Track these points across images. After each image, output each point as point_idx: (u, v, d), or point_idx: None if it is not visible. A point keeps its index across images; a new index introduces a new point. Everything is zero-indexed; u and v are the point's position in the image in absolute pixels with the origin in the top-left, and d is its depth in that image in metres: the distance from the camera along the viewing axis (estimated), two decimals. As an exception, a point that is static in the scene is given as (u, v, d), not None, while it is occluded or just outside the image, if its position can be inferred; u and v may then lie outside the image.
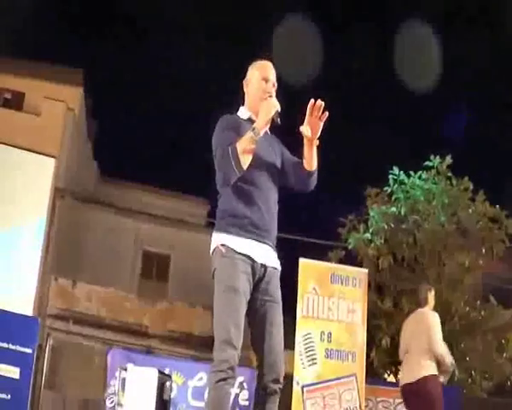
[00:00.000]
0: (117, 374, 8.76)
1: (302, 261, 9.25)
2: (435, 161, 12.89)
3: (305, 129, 3.43)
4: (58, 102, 19.08)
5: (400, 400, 9.65)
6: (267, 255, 3.45)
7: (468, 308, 12.47)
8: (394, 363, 13.10)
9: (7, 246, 15.35)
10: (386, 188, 13.05)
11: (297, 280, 9.11)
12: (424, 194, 12.80)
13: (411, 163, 13.39)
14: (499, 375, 12.59)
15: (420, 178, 12.90)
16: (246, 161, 3.35)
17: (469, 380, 12.43)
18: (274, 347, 3.36)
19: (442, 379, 6.56)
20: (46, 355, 13.56)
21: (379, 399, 9.77)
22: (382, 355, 12.29)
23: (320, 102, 3.38)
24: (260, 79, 3.60)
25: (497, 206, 12.66)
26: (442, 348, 6.37)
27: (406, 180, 12.89)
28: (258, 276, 3.40)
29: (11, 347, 8.72)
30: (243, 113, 3.65)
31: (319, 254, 12.17)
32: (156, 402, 7.61)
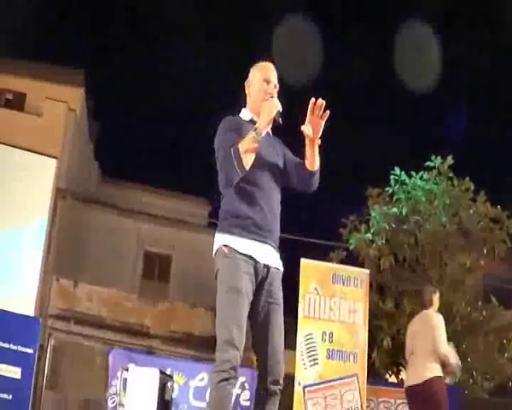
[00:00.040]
0: (118, 374, 8.77)
1: (303, 262, 9.26)
2: (436, 161, 12.89)
3: (306, 128, 3.43)
4: (59, 102, 19.10)
5: (402, 400, 9.70)
6: (270, 256, 3.45)
7: (469, 309, 12.47)
8: (396, 363, 13.11)
9: (8, 246, 15.33)
10: (387, 188, 13.05)
11: (298, 280, 9.11)
12: (425, 194, 12.80)
13: (413, 163, 13.40)
14: (501, 375, 12.59)
15: (421, 178, 12.90)
16: (248, 161, 3.35)
17: (471, 381, 12.43)
18: (275, 348, 3.37)
19: (448, 380, 6.59)
20: (47, 355, 13.57)
21: (380, 399, 9.77)
22: (384, 356, 12.30)
23: (321, 101, 3.38)
24: (262, 81, 3.61)
25: (499, 206, 12.66)
26: (446, 349, 6.39)
27: (407, 181, 12.89)
28: (261, 276, 3.41)
29: (12, 347, 8.72)
30: (245, 114, 3.66)
31: (320, 254, 12.19)
32: (158, 403, 7.61)
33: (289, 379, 8.23)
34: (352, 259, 12.58)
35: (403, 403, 9.75)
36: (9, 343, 8.72)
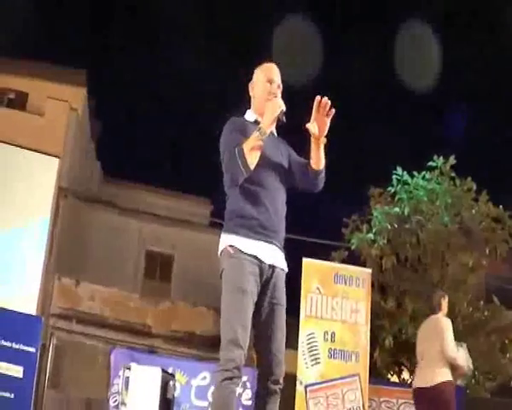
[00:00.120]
0: (120, 373, 8.77)
1: (306, 261, 9.25)
2: (438, 161, 12.88)
3: (312, 126, 3.44)
4: (61, 102, 19.09)
5: (404, 400, 9.73)
6: (275, 256, 3.47)
7: (471, 309, 12.47)
8: (397, 363, 13.12)
9: (10, 245, 15.38)
10: (389, 188, 13.06)
11: (300, 280, 9.11)
12: (427, 194, 12.79)
13: (415, 163, 13.40)
14: (502, 375, 12.60)
15: (423, 178, 12.89)
16: (253, 160, 3.37)
17: (473, 380, 12.43)
18: (276, 349, 3.39)
19: (459, 382, 6.67)
20: (49, 354, 13.59)
21: (382, 399, 9.78)
22: (385, 355, 12.30)
23: (326, 99, 3.39)
24: (265, 81, 3.64)
25: (501, 206, 12.66)
26: (454, 352, 6.46)
27: (409, 180, 12.88)
28: (266, 277, 3.42)
29: (14, 346, 8.73)
30: (250, 115, 3.68)
31: (322, 254, 12.18)
32: (160, 401, 7.62)
33: (291, 379, 8.26)
34: (353, 258, 12.58)
35: (405, 403, 9.77)
36: (11, 342, 8.72)
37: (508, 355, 12.49)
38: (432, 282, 12.38)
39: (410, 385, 11.67)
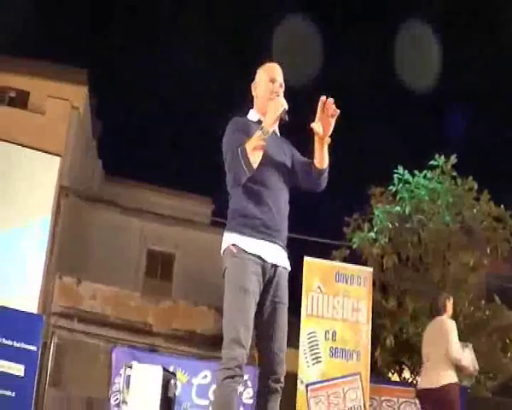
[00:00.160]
0: (121, 372, 8.78)
1: (307, 260, 9.25)
2: (440, 160, 12.87)
3: (316, 126, 3.44)
4: (62, 100, 19.10)
5: (404, 399, 9.75)
6: (278, 256, 3.48)
7: (472, 308, 12.47)
8: (398, 362, 13.12)
9: (12, 244, 15.39)
10: (390, 187, 13.05)
11: (301, 279, 9.11)
12: (429, 193, 12.79)
13: (416, 162, 13.39)
14: (504, 374, 12.59)
15: (424, 177, 12.89)
16: (255, 160, 3.37)
17: (473, 380, 12.42)
18: (277, 347, 3.40)
19: (466, 382, 6.72)
20: (50, 353, 13.59)
21: (383, 398, 9.78)
22: (386, 354, 12.31)
23: (331, 100, 3.39)
24: (267, 81, 3.65)
25: (502, 205, 12.65)
26: (459, 354, 6.51)
27: (411, 179, 12.87)
28: (269, 276, 3.43)
29: (16, 344, 8.75)
30: (253, 115, 3.69)
31: (323, 253, 12.18)
32: (161, 400, 7.62)
33: (292, 377, 8.26)
34: (355, 257, 12.58)
35: (405, 402, 9.77)
36: (13, 341, 8.75)
37: (509, 355, 12.49)
38: (433, 281, 12.38)
39: (410, 384, 11.74)
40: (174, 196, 22.55)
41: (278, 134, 3.71)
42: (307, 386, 8.85)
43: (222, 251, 3.48)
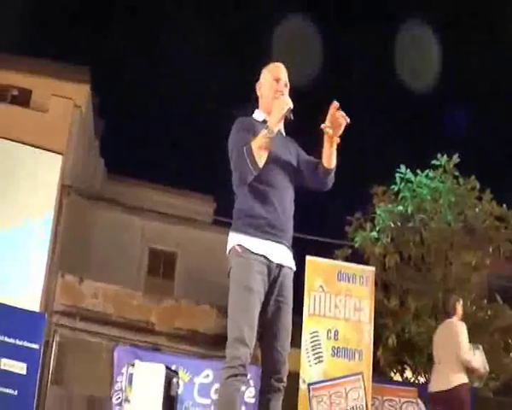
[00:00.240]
0: (123, 370, 8.80)
1: (309, 259, 9.25)
2: (442, 159, 12.86)
3: (327, 126, 3.44)
4: (65, 99, 19.09)
5: (406, 399, 9.75)
6: (283, 256, 3.49)
7: (474, 308, 12.45)
8: (400, 362, 13.11)
9: (14, 243, 15.41)
10: (392, 186, 13.03)
11: (304, 278, 9.11)
12: (431, 193, 12.78)
13: (418, 162, 13.37)
14: (506, 374, 12.57)
15: (427, 176, 12.87)
16: (261, 158, 3.39)
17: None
18: (281, 347, 3.42)
19: (477, 384, 6.76)
20: (53, 351, 13.61)
21: (385, 398, 9.78)
22: (388, 354, 12.29)
23: (342, 114, 3.39)
24: (272, 80, 3.68)
25: (504, 205, 12.64)
26: (469, 356, 6.55)
27: (413, 179, 12.86)
28: (274, 276, 3.44)
29: (18, 342, 8.77)
30: (258, 115, 3.71)
31: (325, 252, 12.17)
32: (163, 398, 7.62)
33: (294, 377, 8.26)
34: (357, 257, 12.57)
35: (407, 401, 9.77)
36: (15, 339, 8.77)
37: (511, 355, 12.47)
38: (435, 281, 12.37)
39: (412, 384, 11.74)
40: (176, 195, 22.54)
41: (284, 134, 3.72)
42: (309, 385, 8.85)
43: (227, 251, 3.49)
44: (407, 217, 12.83)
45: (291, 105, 3.48)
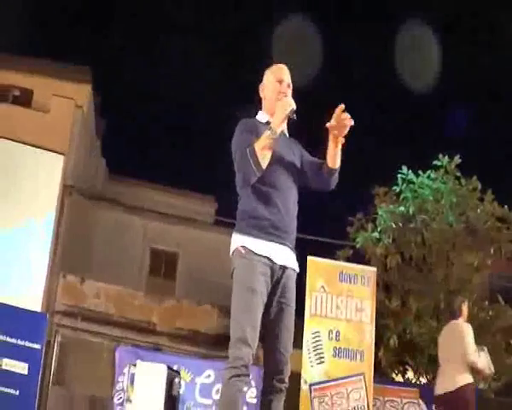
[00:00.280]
0: (125, 371, 8.82)
1: (310, 260, 9.24)
2: (444, 160, 12.85)
3: (332, 126, 3.45)
4: (66, 99, 19.10)
5: (408, 399, 9.74)
6: (286, 257, 3.49)
7: (476, 308, 12.44)
8: (402, 363, 13.10)
9: (16, 243, 15.41)
10: (394, 187, 13.02)
11: (305, 279, 9.10)
12: (432, 193, 12.77)
13: (420, 162, 13.37)
14: (508, 375, 12.56)
15: (428, 177, 12.86)
16: (264, 159, 3.39)
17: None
18: (283, 347, 3.43)
19: (482, 385, 6.75)
20: (54, 351, 13.62)
21: (386, 398, 9.77)
22: (390, 355, 12.29)
23: (347, 116, 3.40)
24: (275, 82, 3.68)
25: (506, 206, 12.63)
26: (475, 358, 6.56)
27: (415, 179, 12.85)
28: (277, 277, 3.44)
29: (20, 343, 8.77)
30: (261, 116, 3.71)
31: (327, 252, 12.16)
32: (165, 398, 7.63)
33: (296, 377, 8.25)
34: (358, 257, 12.57)
35: (409, 402, 9.77)
36: (17, 339, 8.77)
37: (513, 355, 12.46)
38: (436, 281, 12.37)
39: (414, 385, 11.73)
40: (177, 195, 22.55)
41: (287, 134, 3.73)
42: (311, 386, 8.84)
43: (231, 252, 3.50)
44: (409, 218, 12.82)
45: (294, 106, 3.49)
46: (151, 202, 20.97)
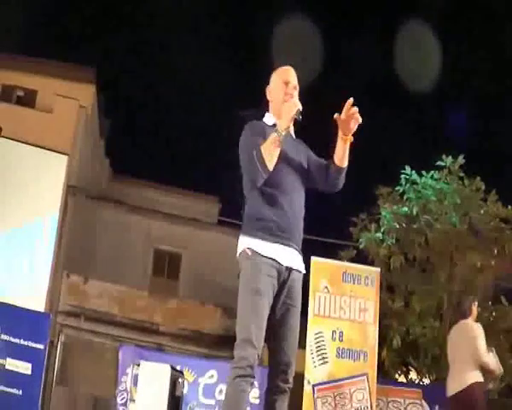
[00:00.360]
0: (128, 371, 8.82)
1: (314, 260, 9.22)
2: (447, 160, 12.83)
3: (340, 118, 3.46)
4: (70, 99, 19.14)
5: (411, 400, 9.73)
6: (292, 259, 3.51)
7: (479, 309, 12.42)
8: (405, 363, 13.08)
9: (19, 243, 15.41)
10: (397, 187, 13.00)
11: (308, 279, 9.09)
12: (436, 194, 12.74)
13: (423, 163, 13.34)
14: (511, 376, 12.54)
15: (432, 177, 12.84)
16: (271, 161, 3.41)
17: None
18: (288, 348, 3.45)
19: (491, 385, 6.74)
20: (57, 351, 13.64)
21: (390, 399, 9.76)
22: (393, 355, 12.28)
23: (355, 110, 3.44)
24: (281, 83, 3.70)
25: (510, 206, 12.60)
26: (488, 358, 6.57)
27: (418, 180, 12.83)
28: (283, 279, 3.46)
29: (23, 342, 8.79)
30: (268, 119, 3.73)
31: (330, 253, 12.15)
32: (168, 398, 7.64)
33: (299, 378, 8.25)
34: (361, 258, 12.55)
35: (412, 403, 9.76)
36: (20, 339, 8.79)
37: (516, 356, 12.44)
38: (440, 282, 12.35)
39: (417, 385, 11.72)
40: (181, 196, 22.59)
41: (293, 136, 3.74)
42: (314, 386, 8.83)
43: (237, 254, 3.52)
44: (412, 218, 12.80)
45: (300, 107, 3.50)
46: (155, 202, 21.01)
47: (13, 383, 8.57)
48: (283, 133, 3.43)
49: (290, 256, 3.49)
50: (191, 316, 17.66)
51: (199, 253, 19.74)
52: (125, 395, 9.09)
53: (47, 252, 16.04)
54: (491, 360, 6.63)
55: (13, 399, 8.48)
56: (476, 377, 6.45)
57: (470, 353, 6.50)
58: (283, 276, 3.45)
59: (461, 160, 12.81)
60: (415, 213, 12.70)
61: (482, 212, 12.66)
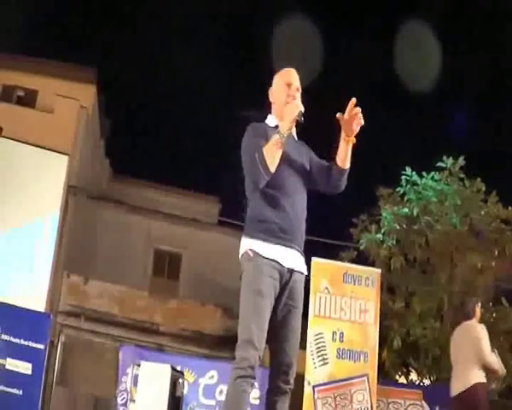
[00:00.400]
0: (128, 371, 8.82)
1: (314, 261, 9.22)
2: (448, 161, 12.83)
3: (343, 117, 3.47)
4: (71, 99, 19.15)
5: (411, 401, 9.73)
6: (294, 260, 3.52)
7: (482, 310, 12.42)
8: (405, 364, 13.08)
9: (20, 243, 15.41)
10: (398, 188, 13.00)
11: (309, 280, 9.08)
12: (436, 195, 12.74)
13: (424, 164, 13.34)
14: (511, 377, 12.54)
15: (432, 178, 12.84)
16: (273, 164, 3.42)
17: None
18: (289, 349, 3.46)
19: (494, 386, 6.75)
20: (58, 352, 13.64)
21: (390, 400, 9.76)
22: (393, 356, 12.28)
23: (358, 110, 3.45)
24: (283, 85, 3.71)
25: (510, 207, 12.60)
26: (492, 358, 6.57)
27: (419, 181, 12.82)
28: (285, 280, 3.47)
29: (23, 343, 8.78)
30: (271, 121, 3.73)
31: (330, 254, 12.15)
32: (168, 399, 7.63)
33: (299, 379, 8.24)
34: (362, 259, 12.56)
35: (412, 404, 9.76)
36: (20, 339, 8.78)
37: (516, 357, 12.43)
38: (440, 283, 12.35)
39: (417, 386, 11.71)
40: (181, 196, 22.59)
41: (296, 138, 3.74)
42: (314, 387, 8.82)
43: (240, 256, 3.53)
44: (412, 219, 12.79)
45: (302, 109, 3.50)
46: (155, 202, 21.01)
47: (13, 383, 8.56)
48: (285, 135, 3.43)
49: (292, 258, 3.49)
50: (191, 316, 17.66)
51: (199, 253, 19.74)
52: (126, 395, 9.09)
53: (47, 252, 16.04)
54: (495, 359, 6.65)
55: (13, 399, 8.47)
56: (479, 377, 6.47)
57: (474, 353, 6.52)
58: (285, 277, 3.46)
59: (461, 161, 12.81)
60: (415, 214, 12.70)
61: (483, 213, 12.65)
